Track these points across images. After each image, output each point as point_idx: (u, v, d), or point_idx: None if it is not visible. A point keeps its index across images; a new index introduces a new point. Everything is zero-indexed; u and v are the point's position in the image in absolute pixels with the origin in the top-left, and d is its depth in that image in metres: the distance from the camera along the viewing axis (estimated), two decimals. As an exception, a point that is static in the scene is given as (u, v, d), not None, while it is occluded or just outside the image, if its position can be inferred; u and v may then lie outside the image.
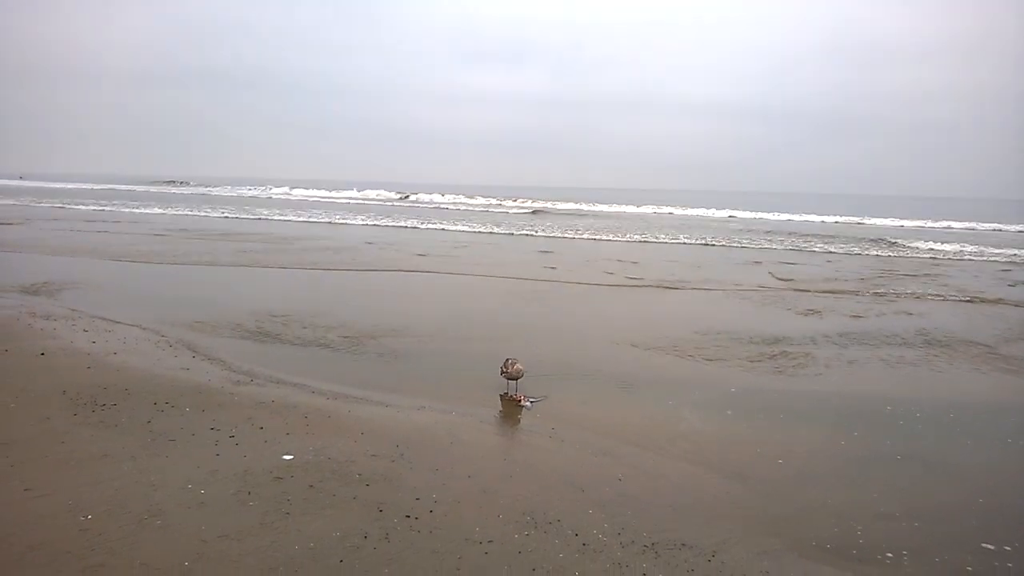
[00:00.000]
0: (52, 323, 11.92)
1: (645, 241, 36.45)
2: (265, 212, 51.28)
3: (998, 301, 19.01)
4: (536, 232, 39.87)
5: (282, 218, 46.07)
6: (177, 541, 5.13)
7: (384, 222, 44.89)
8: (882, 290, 20.50)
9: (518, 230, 40.85)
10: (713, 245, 34.36)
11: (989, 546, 5.88)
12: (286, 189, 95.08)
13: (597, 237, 38.09)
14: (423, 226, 42.00)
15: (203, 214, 47.00)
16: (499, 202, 74.63)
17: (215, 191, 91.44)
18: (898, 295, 19.51)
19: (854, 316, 16.07)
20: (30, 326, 11.61)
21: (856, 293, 19.90)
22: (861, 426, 8.67)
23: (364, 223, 43.77)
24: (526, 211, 62.14)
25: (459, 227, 41.81)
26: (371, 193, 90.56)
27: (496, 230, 40.61)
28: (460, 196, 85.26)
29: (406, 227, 41.52)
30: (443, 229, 40.32)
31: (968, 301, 18.85)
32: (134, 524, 5.34)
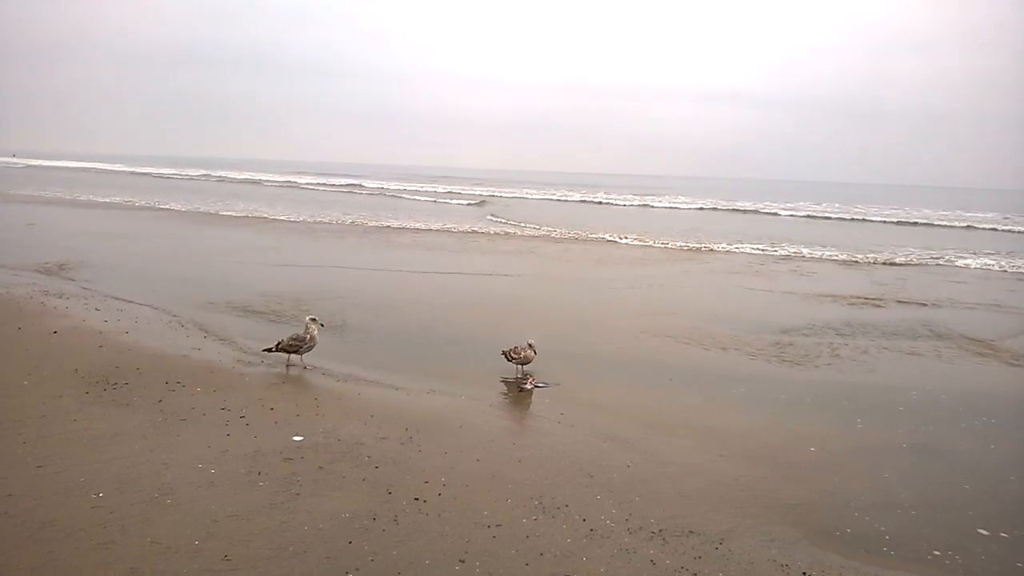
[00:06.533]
0: (65, 302, 11.99)
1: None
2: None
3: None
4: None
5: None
6: (188, 520, 5.17)
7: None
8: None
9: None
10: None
11: (983, 531, 5.92)
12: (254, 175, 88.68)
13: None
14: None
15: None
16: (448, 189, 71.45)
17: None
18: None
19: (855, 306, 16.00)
20: (43, 304, 11.69)
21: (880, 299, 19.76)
22: (869, 414, 8.62)
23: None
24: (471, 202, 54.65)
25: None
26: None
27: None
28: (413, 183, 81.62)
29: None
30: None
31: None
32: (145, 502, 5.39)
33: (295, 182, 73.39)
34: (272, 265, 18.77)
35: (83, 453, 6.19)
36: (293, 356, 9.28)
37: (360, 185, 72.77)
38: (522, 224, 34.85)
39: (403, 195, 60.14)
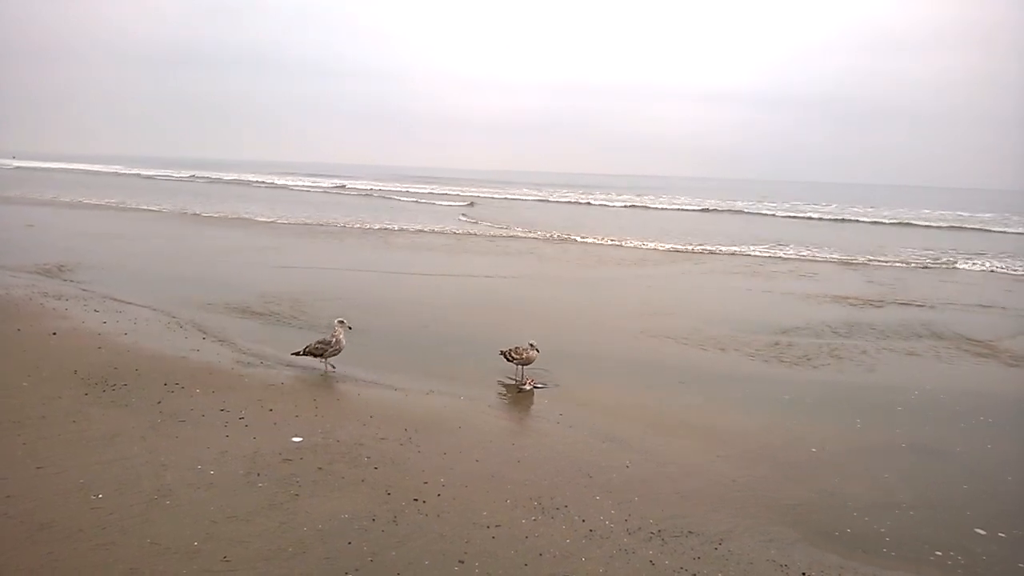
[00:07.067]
0: (64, 303, 11.99)
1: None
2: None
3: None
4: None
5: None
6: (187, 521, 5.17)
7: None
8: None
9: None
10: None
11: (980, 531, 5.93)
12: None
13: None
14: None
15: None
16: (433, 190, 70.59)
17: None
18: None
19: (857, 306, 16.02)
20: (42, 305, 11.68)
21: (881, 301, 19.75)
22: (869, 415, 8.63)
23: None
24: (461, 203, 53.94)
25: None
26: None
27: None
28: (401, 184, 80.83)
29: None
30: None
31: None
32: (144, 503, 5.38)
33: (288, 184, 72.85)
34: (270, 266, 18.76)
35: (82, 454, 6.19)
36: (319, 360, 9.21)
37: (343, 187, 71.88)
38: (503, 226, 34.73)
39: (391, 196, 59.56)
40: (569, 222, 38.40)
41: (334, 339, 9.07)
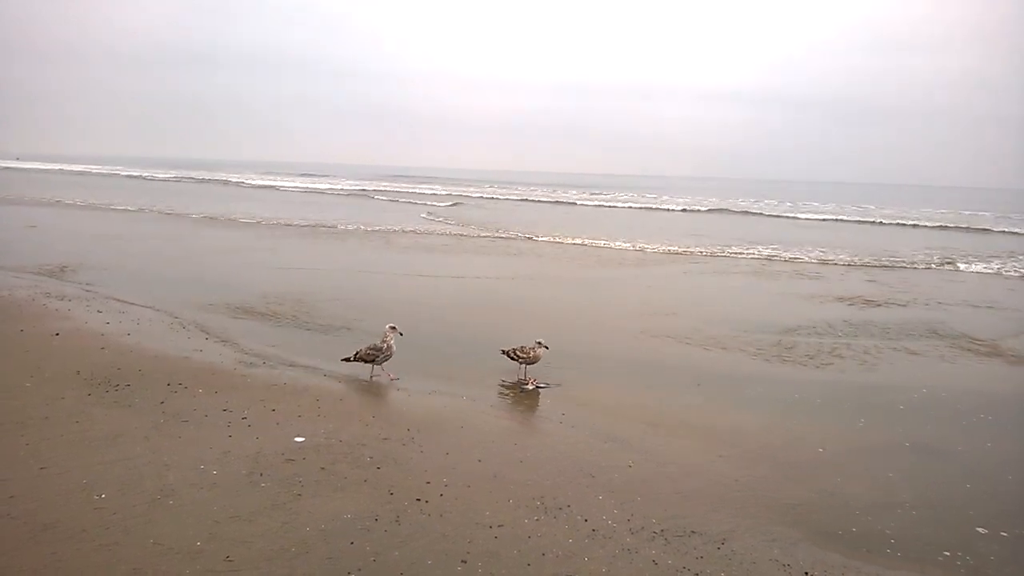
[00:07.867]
0: (67, 303, 12.01)
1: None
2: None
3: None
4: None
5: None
6: (189, 521, 5.17)
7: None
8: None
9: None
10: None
11: (982, 530, 5.93)
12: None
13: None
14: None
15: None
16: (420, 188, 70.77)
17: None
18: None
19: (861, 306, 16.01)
20: (45, 306, 11.70)
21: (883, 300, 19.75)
22: (871, 414, 8.63)
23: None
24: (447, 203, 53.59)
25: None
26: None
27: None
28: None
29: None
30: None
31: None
32: (147, 503, 5.39)
33: (276, 185, 72.42)
34: (268, 267, 18.77)
35: (85, 454, 6.20)
36: (375, 367, 9.09)
37: (326, 187, 71.54)
38: (468, 225, 34.52)
39: (373, 196, 59.46)
40: (563, 221, 38.39)
41: (385, 344, 8.88)
